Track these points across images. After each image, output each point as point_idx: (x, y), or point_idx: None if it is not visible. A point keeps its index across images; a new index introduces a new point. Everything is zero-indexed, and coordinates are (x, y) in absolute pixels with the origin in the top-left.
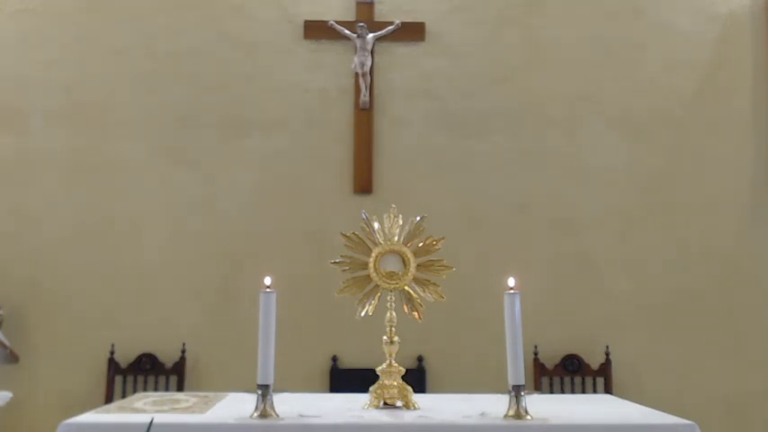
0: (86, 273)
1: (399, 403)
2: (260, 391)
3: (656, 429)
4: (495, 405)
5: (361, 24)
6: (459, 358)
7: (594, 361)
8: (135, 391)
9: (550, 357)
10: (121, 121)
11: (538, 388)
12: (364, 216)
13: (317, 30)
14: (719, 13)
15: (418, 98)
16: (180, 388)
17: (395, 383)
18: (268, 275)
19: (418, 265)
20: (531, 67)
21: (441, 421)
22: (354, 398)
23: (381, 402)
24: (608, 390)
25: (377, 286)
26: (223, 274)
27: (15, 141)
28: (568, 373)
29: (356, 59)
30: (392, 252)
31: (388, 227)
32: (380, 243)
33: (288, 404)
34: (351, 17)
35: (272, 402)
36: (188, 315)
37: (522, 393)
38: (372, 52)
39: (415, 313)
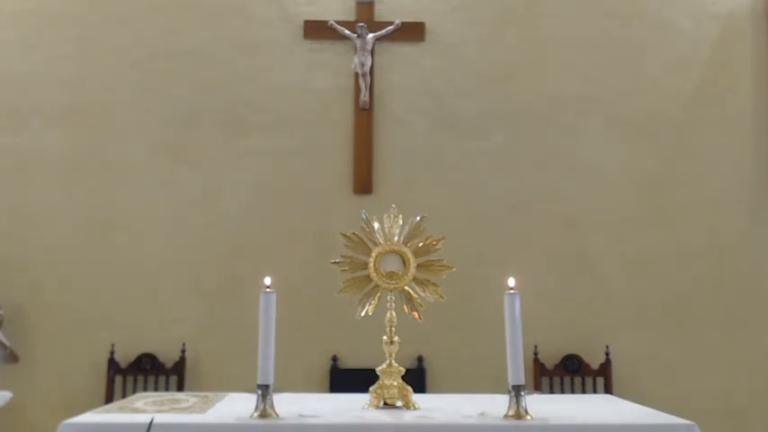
0: (86, 273)
1: (399, 403)
2: (260, 391)
3: (656, 429)
4: (495, 405)
5: (361, 24)
6: (459, 358)
7: (594, 361)
8: (135, 391)
9: (550, 357)
10: (121, 121)
11: (538, 388)
12: (364, 216)
13: (317, 30)
14: (719, 13)
15: (418, 98)
16: (180, 388)
17: (395, 383)
18: (268, 275)
19: (418, 265)
20: (531, 67)
21: (441, 421)
22: (354, 398)
23: (381, 402)
24: (608, 390)
25: (377, 286)
26: (223, 274)
27: (15, 141)
28: (568, 373)
29: (356, 59)
30: (392, 252)
31: (388, 227)
32: (380, 243)
33: (288, 404)
34: (351, 17)
35: (272, 402)
36: (188, 315)
37: (522, 393)
38: (372, 52)
39: (415, 313)
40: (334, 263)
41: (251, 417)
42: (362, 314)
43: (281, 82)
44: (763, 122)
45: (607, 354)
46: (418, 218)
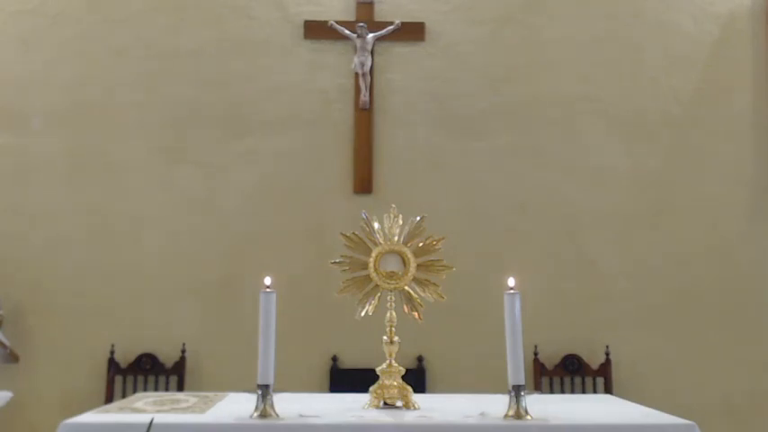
0: (86, 273)
1: (399, 403)
2: (260, 391)
3: (655, 429)
4: (495, 405)
5: (361, 24)
6: (459, 358)
7: (594, 361)
8: (135, 391)
9: (550, 357)
10: (121, 121)
11: (538, 388)
12: (364, 216)
13: (317, 30)
14: (719, 13)
15: (418, 98)
16: (180, 388)
17: (395, 383)
18: (268, 275)
19: (418, 265)
20: (531, 67)
21: (441, 421)
22: (354, 398)
23: (381, 402)
24: (608, 390)
25: (377, 286)
26: (223, 273)
27: (15, 141)
28: (568, 373)
29: (356, 59)
30: (392, 252)
31: (388, 227)
32: (380, 243)
33: (288, 404)
34: (351, 17)
35: (272, 402)
36: (188, 315)
37: (522, 393)
38: (372, 52)
39: (415, 313)
40: (334, 263)
41: (251, 417)
42: (362, 314)
43: (281, 82)
44: (763, 122)
45: (607, 354)
46: (418, 218)
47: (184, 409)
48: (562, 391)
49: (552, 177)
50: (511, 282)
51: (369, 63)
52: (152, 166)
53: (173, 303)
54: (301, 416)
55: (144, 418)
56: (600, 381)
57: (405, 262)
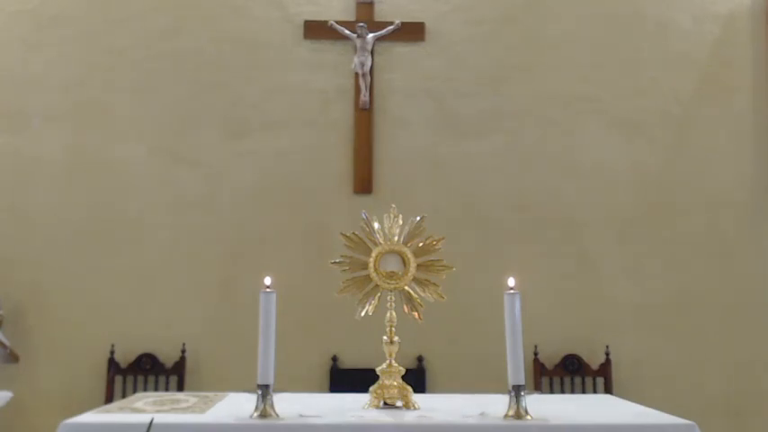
0: (86, 273)
1: (399, 403)
2: (260, 391)
3: (655, 429)
4: (495, 405)
5: (361, 24)
6: (459, 358)
7: (594, 361)
8: (135, 391)
9: (550, 357)
10: (121, 121)
11: (538, 388)
12: (364, 216)
13: (317, 30)
14: (719, 13)
15: (418, 98)
16: (180, 388)
17: (395, 383)
18: (268, 275)
19: (418, 265)
20: (531, 67)
21: (441, 421)
22: (354, 398)
23: (381, 402)
24: (608, 390)
25: (377, 286)
26: (223, 274)
27: (15, 141)
28: (568, 373)
29: (356, 59)
30: (392, 252)
31: (388, 227)
32: (380, 243)
33: (288, 404)
34: (351, 17)
35: (272, 402)
36: (188, 315)
37: (522, 393)
38: (372, 52)
39: (415, 313)
40: (334, 263)
41: (251, 417)
42: (362, 314)
43: (281, 82)
44: (764, 122)
45: (607, 354)
46: (418, 218)
47: (184, 409)
48: (562, 391)
49: (552, 177)
50: (511, 282)
51: (369, 63)
52: (152, 166)
53: (173, 303)
54: (301, 416)
55: (144, 418)
56: (600, 381)
57: (405, 262)
